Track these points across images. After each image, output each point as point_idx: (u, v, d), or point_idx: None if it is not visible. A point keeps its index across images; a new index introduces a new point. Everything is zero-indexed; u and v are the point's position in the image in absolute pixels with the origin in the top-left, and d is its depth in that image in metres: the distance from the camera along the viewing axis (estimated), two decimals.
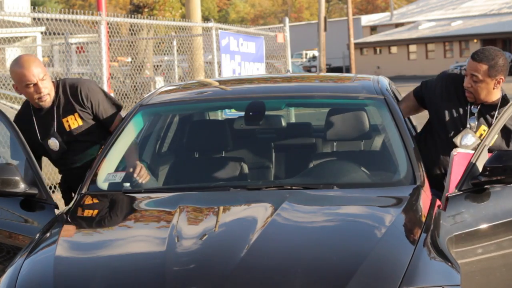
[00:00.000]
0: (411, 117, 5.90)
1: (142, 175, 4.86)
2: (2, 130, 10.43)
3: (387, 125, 5.11)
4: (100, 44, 10.39)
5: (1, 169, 4.82)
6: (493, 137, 4.86)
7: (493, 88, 5.22)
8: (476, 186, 4.72)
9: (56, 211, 4.82)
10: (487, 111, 5.27)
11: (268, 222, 4.00)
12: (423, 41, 66.74)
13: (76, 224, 4.35)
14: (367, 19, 77.56)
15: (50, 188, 4.97)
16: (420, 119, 5.99)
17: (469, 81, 5.18)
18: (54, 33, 18.18)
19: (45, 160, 5.61)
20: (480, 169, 4.73)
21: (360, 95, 5.35)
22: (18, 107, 12.31)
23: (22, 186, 4.77)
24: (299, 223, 4.18)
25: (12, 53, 17.92)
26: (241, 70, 12.83)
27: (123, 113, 5.51)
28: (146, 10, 25.00)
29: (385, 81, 5.68)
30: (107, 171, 4.93)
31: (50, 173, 8.90)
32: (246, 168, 5.21)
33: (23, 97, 5.56)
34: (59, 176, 5.67)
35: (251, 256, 3.70)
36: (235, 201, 4.54)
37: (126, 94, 14.27)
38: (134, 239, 4.10)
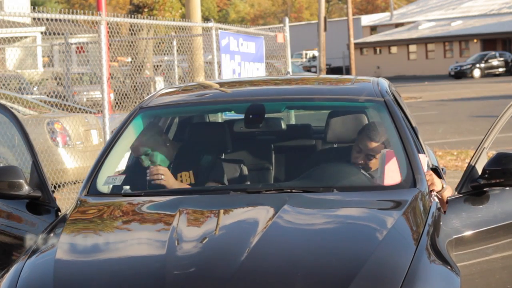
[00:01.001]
0: (411, 118, 5.89)
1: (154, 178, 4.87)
2: (2, 130, 10.41)
3: (387, 128, 5.10)
4: (100, 44, 10.40)
5: (5, 171, 4.86)
6: (492, 139, 4.88)
7: None
8: (475, 189, 4.73)
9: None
10: None
11: (268, 226, 3.99)
12: (423, 41, 66.78)
13: (76, 227, 4.35)
14: (367, 19, 77.59)
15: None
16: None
17: (364, 158, 5.17)
18: (54, 33, 18.21)
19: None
20: (480, 172, 4.74)
21: (360, 98, 5.35)
22: (18, 107, 12.32)
23: (26, 189, 4.81)
24: (299, 226, 4.18)
25: (12, 53, 17.92)
26: (241, 70, 12.84)
27: (123, 115, 5.52)
28: (146, 10, 25.01)
29: (385, 83, 5.67)
30: (107, 174, 4.94)
31: (49, 173, 8.92)
32: (246, 171, 5.22)
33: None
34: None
35: (252, 259, 3.70)
36: (235, 204, 4.53)
37: (126, 94, 14.27)
38: (134, 242, 4.10)
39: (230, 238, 3.94)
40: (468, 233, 4.60)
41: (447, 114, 26.10)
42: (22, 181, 4.80)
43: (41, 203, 4.93)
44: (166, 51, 17.96)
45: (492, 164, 4.65)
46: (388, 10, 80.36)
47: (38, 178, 4.92)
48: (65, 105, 14.11)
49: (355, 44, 57.05)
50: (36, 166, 4.95)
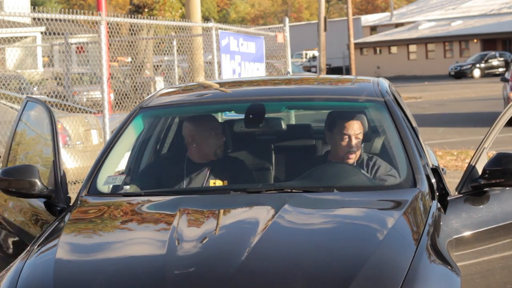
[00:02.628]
0: (411, 119, 5.89)
1: None
2: (2, 130, 10.41)
3: (387, 128, 5.11)
4: (100, 44, 10.40)
5: (21, 169, 4.86)
6: (492, 140, 4.88)
7: None
8: (475, 189, 4.73)
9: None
10: None
11: (268, 226, 4.00)
12: (423, 41, 66.80)
13: (76, 227, 4.35)
14: (367, 19, 77.63)
15: None
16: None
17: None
18: (54, 33, 18.19)
19: None
20: (480, 172, 4.74)
21: (360, 98, 5.35)
22: (18, 107, 12.31)
23: (38, 188, 4.80)
24: (299, 226, 4.18)
25: (12, 53, 17.93)
26: (241, 70, 12.84)
27: (123, 115, 5.53)
28: (146, 10, 25.03)
29: (385, 83, 5.67)
30: (107, 174, 4.94)
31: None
32: (246, 171, 5.21)
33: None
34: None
35: (252, 259, 3.70)
36: (236, 204, 4.54)
37: (126, 94, 14.28)
38: (134, 242, 4.10)
39: (230, 238, 3.94)
40: (468, 233, 4.60)
41: (447, 114, 26.12)
42: (36, 180, 4.81)
43: (52, 203, 4.94)
44: (166, 51, 17.98)
45: (492, 164, 4.65)
46: (388, 10, 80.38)
47: (54, 177, 4.94)
48: (65, 105, 14.11)
49: (355, 44, 57.05)
50: (54, 165, 4.96)
